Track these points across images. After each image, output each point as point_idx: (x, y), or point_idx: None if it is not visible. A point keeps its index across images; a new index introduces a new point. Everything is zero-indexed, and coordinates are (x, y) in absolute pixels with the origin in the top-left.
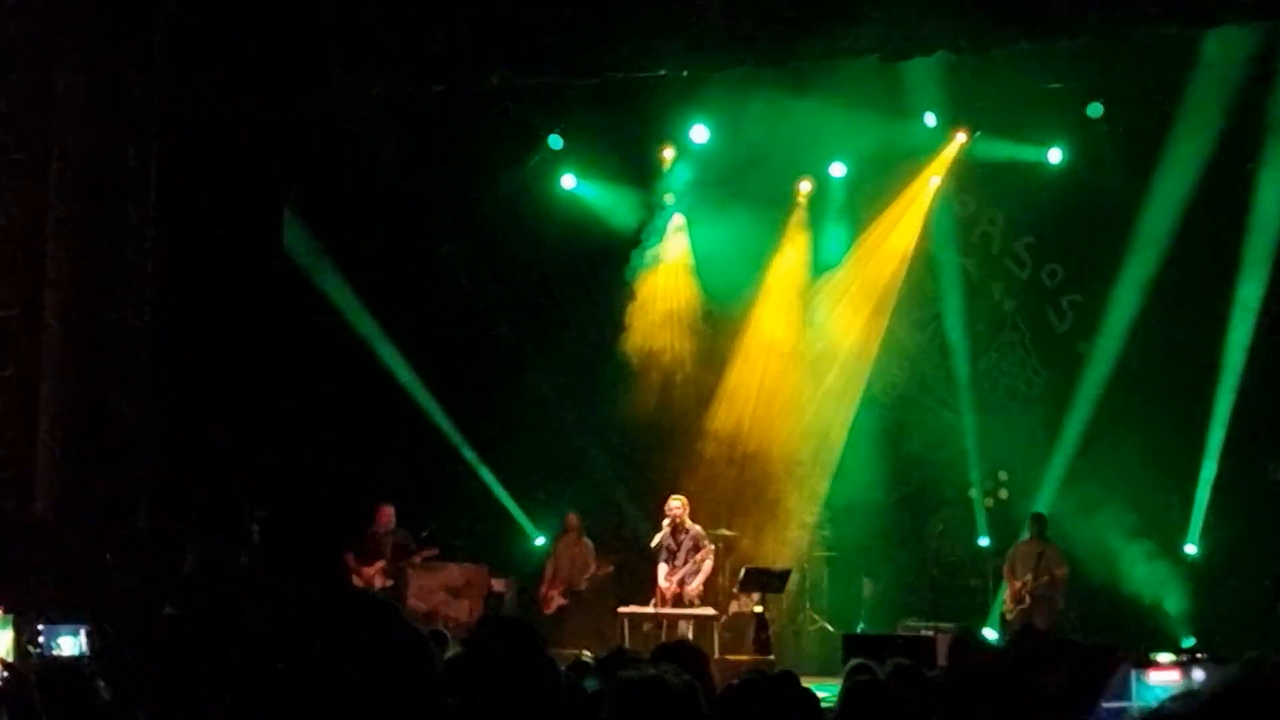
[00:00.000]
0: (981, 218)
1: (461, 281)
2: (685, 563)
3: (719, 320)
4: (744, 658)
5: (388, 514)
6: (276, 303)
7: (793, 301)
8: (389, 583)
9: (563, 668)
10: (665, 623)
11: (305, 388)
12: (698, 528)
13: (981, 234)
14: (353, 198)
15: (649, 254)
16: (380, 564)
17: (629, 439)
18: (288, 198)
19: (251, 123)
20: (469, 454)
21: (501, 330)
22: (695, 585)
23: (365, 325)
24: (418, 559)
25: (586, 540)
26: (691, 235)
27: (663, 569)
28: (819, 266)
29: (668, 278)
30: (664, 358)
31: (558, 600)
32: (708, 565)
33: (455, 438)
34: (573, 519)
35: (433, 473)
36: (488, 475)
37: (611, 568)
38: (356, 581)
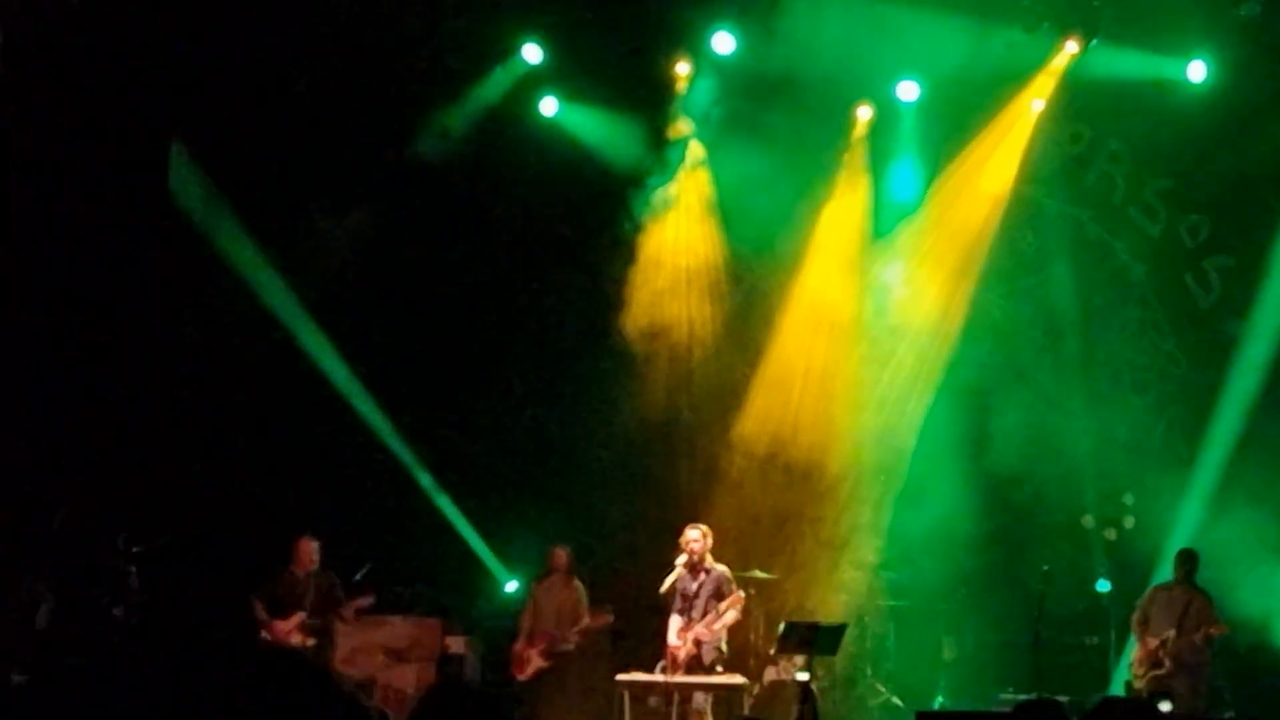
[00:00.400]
0: (1100, 154)
1: (406, 242)
2: (705, 614)
3: (751, 284)
4: None
5: (310, 551)
6: (160, 268)
7: (849, 262)
8: (310, 641)
9: None
10: (678, 695)
11: (200, 382)
12: (722, 567)
13: (1100, 176)
14: (259, 132)
15: (656, 197)
16: (299, 616)
17: (631, 449)
18: (174, 133)
19: (124, 36)
20: (419, 473)
21: (462, 307)
22: (712, 639)
23: (280, 301)
24: (349, 610)
25: (577, 583)
26: (715, 172)
27: (675, 622)
28: (884, 217)
29: (682, 228)
30: (676, 334)
31: (536, 662)
32: (731, 615)
33: (401, 451)
34: (560, 555)
35: (371, 496)
36: (444, 500)
37: (609, 618)
38: (267, 639)
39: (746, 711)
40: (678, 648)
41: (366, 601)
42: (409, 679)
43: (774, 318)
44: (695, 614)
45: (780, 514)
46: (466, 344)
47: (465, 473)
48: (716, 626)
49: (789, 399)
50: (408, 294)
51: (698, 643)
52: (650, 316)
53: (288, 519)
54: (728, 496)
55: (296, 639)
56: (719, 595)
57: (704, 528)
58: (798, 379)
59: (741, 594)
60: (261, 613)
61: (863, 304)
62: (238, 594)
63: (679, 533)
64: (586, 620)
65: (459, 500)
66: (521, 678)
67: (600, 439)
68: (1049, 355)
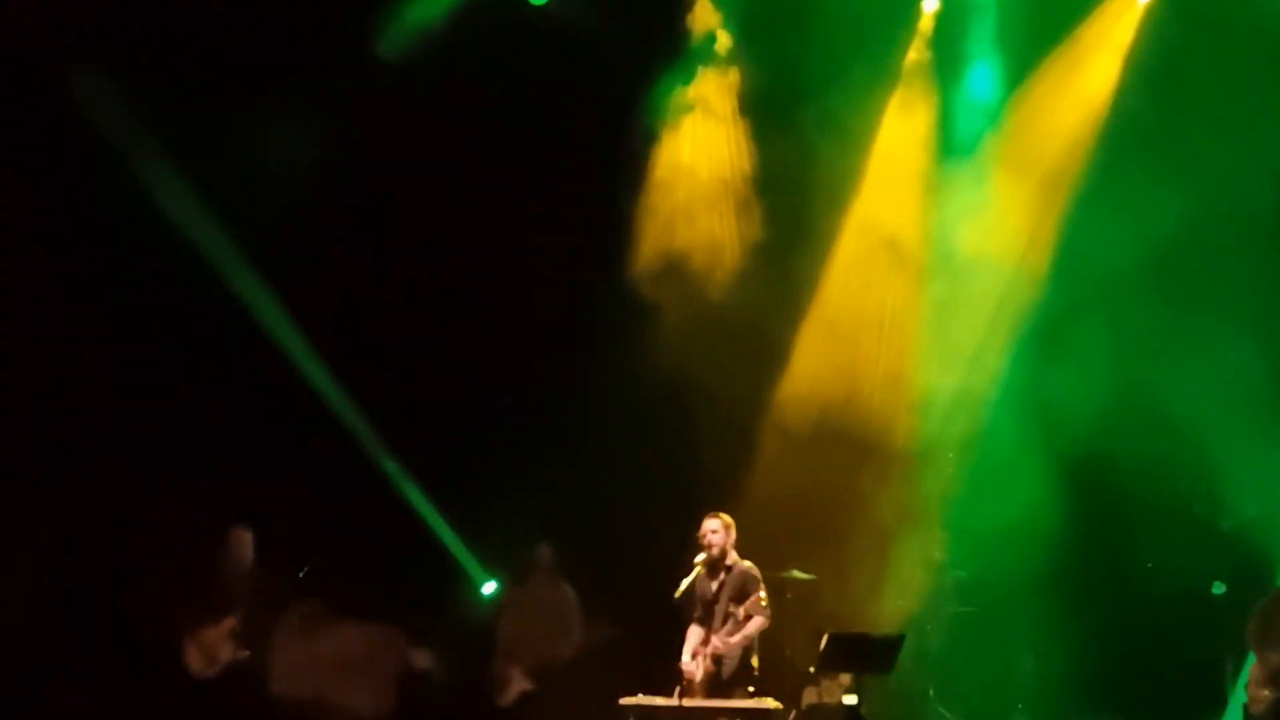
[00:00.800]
0: (1219, 58)
1: (364, 164)
2: (725, 621)
3: (792, 210)
4: None
5: (243, 544)
6: (61, 202)
7: (912, 182)
8: (245, 653)
9: None
10: None
11: (111, 340)
12: (746, 564)
13: (1219, 83)
14: (182, 33)
15: (673, 100)
16: (231, 622)
17: (636, 417)
18: (76, 39)
19: None
20: (379, 452)
21: (430, 243)
22: (730, 653)
23: (208, 238)
24: (291, 616)
25: (565, 587)
26: (747, 70)
27: (693, 635)
28: (957, 129)
29: (704, 139)
30: (694, 264)
31: (519, 684)
32: (755, 623)
33: (357, 426)
34: (544, 554)
35: (319, 480)
36: (409, 486)
37: (616, 632)
38: (193, 652)
39: None
40: (691, 670)
41: (313, 605)
42: (364, 699)
43: (821, 251)
44: (715, 622)
45: (825, 500)
46: (435, 290)
47: (435, 452)
48: (735, 639)
49: (838, 354)
50: (364, 228)
51: (716, 658)
52: (663, 251)
53: (217, 504)
54: (761, 478)
55: (226, 651)
56: (740, 598)
57: (725, 518)
58: (850, 328)
59: (763, 595)
60: (186, 618)
61: (930, 234)
62: (153, 596)
63: (697, 525)
64: (578, 634)
65: (427, 486)
66: (502, 703)
67: (600, 407)
68: (1155, 302)
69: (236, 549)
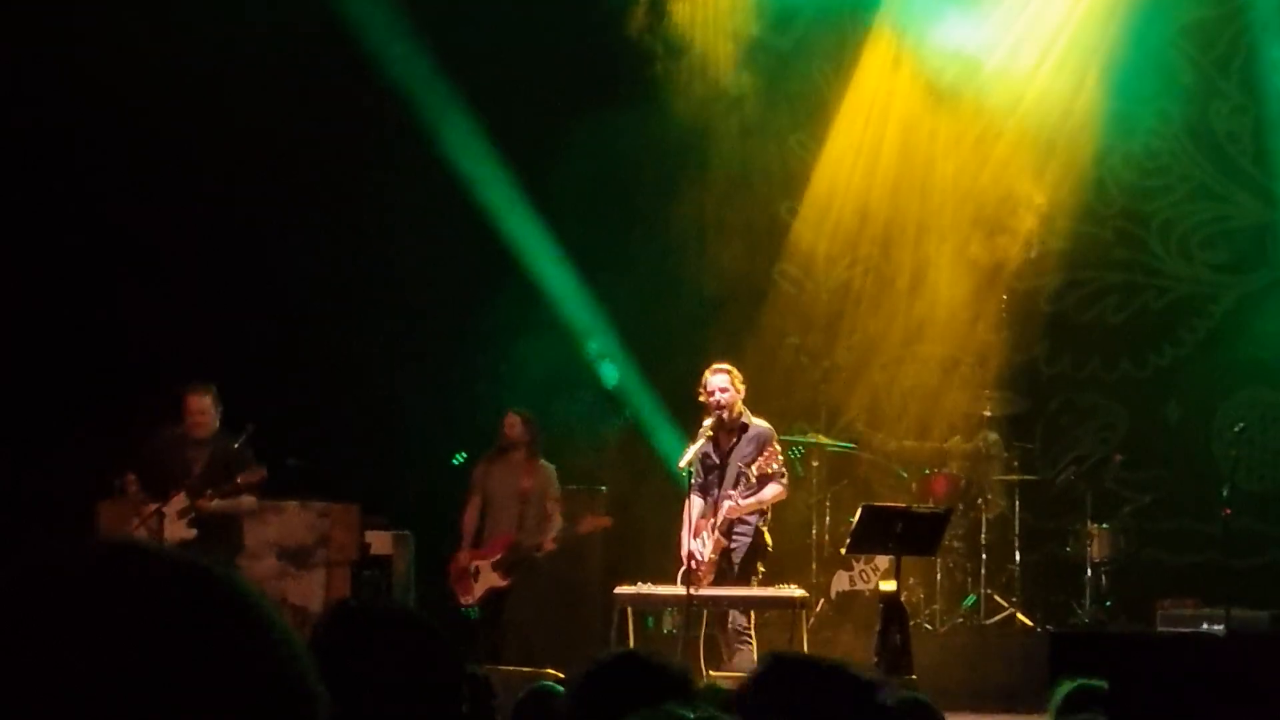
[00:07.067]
0: None
1: None
2: (737, 485)
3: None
4: None
5: (202, 407)
6: None
7: None
8: (191, 533)
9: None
10: (706, 613)
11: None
12: (762, 424)
13: None
14: None
15: None
16: (181, 499)
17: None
18: None
19: None
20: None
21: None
22: (743, 514)
23: None
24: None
25: (544, 464)
26: None
27: (694, 508)
28: None
29: None
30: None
31: (490, 580)
32: (770, 490)
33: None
34: (515, 424)
35: (259, 330)
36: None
37: (605, 522)
38: (138, 531)
39: (806, 635)
40: (699, 551)
41: (255, 475)
42: (313, 591)
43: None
44: (718, 491)
45: (853, 348)
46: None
47: (395, 299)
48: (748, 501)
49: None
50: None
51: (727, 526)
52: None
53: (165, 353)
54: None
55: (173, 529)
56: (752, 459)
57: (731, 369)
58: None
59: (782, 469)
60: (134, 490)
61: None
62: (102, 465)
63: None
64: (559, 521)
65: (385, 337)
66: (469, 602)
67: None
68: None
69: (197, 413)
